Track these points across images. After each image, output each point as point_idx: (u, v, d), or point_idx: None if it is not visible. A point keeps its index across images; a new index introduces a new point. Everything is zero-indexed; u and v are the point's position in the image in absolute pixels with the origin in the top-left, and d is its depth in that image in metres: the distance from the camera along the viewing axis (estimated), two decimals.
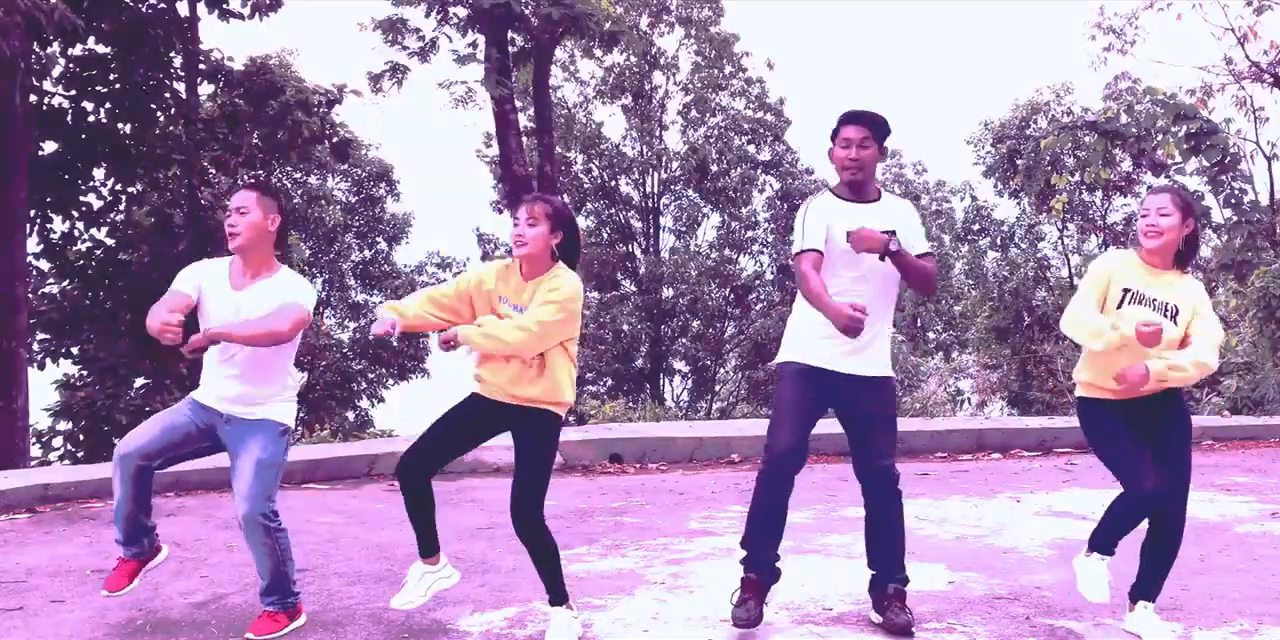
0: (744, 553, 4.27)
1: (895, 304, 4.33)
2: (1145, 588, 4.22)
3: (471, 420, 4.22)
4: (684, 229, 31.07)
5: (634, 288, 30.45)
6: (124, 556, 4.34)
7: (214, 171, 16.75)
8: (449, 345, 3.99)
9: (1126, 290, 4.12)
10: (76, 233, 15.79)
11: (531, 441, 4.12)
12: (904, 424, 10.13)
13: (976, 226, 37.38)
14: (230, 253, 4.28)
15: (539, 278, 4.08)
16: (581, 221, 31.36)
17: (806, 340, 4.23)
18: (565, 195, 29.44)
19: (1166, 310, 4.08)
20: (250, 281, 4.23)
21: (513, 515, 4.09)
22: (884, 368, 4.25)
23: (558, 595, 4.19)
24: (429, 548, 4.35)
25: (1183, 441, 4.19)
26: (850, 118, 4.21)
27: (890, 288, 4.25)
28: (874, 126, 4.18)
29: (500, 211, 29.33)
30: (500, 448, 7.39)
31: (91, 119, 15.51)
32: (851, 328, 3.87)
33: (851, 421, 4.27)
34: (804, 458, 4.19)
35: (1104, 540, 4.20)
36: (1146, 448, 4.10)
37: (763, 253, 31.17)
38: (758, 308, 30.39)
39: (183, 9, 16.11)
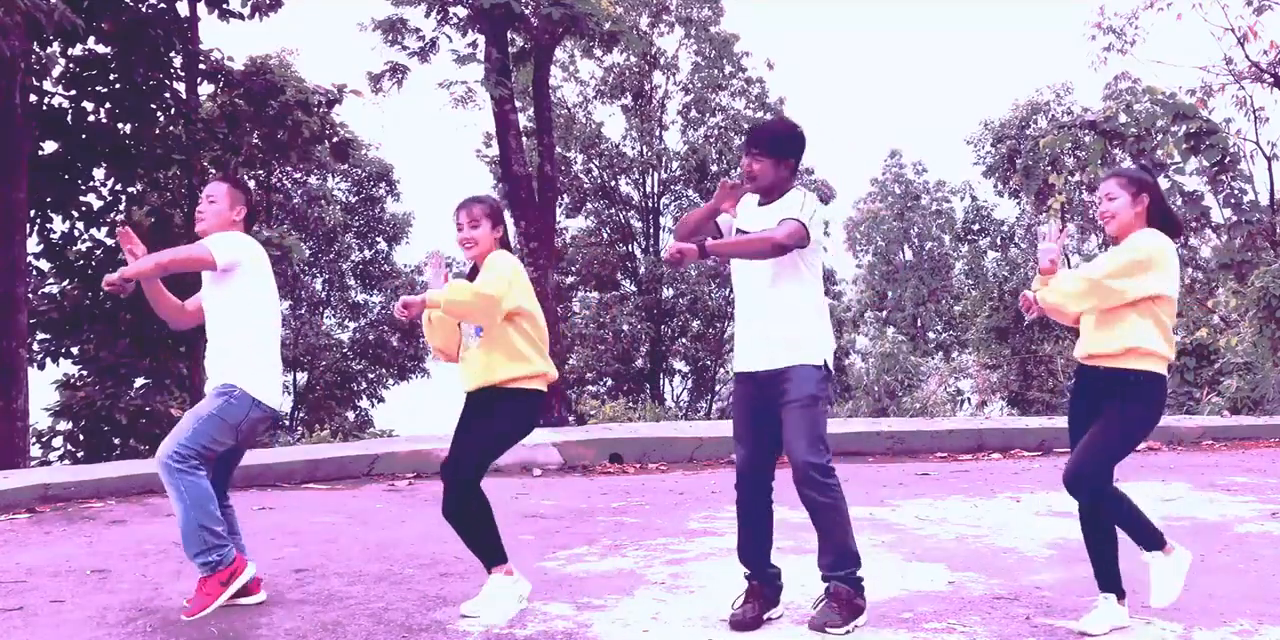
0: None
1: (799, 286, 4.18)
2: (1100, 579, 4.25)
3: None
4: None
5: (634, 288, 30.45)
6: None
7: (214, 171, 16.73)
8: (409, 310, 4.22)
9: None
10: (76, 233, 15.79)
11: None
12: (904, 424, 10.15)
13: (976, 226, 37.41)
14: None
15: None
16: (581, 221, 31.39)
17: (739, 343, 4.36)
18: (565, 195, 29.46)
19: None
20: None
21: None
22: (786, 357, 4.16)
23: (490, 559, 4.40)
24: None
25: (1103, 422, 4.11)
26: (751, 128, 4.46)
27: (766, 283, 4.19)
28: (755, 140, 4.29)
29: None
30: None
31: (91, 119, 15.51)
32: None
33: (780, 418, 4.21)
34: (768, 468, 4.28)
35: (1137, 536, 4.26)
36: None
37: None
38: None
39: (183, 9, 16.11)
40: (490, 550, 4.39)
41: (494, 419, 4.36)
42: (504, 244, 4.48)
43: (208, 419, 4.34)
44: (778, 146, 4.25)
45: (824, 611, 4.12)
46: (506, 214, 4.63)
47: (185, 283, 4.70)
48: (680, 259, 4.06)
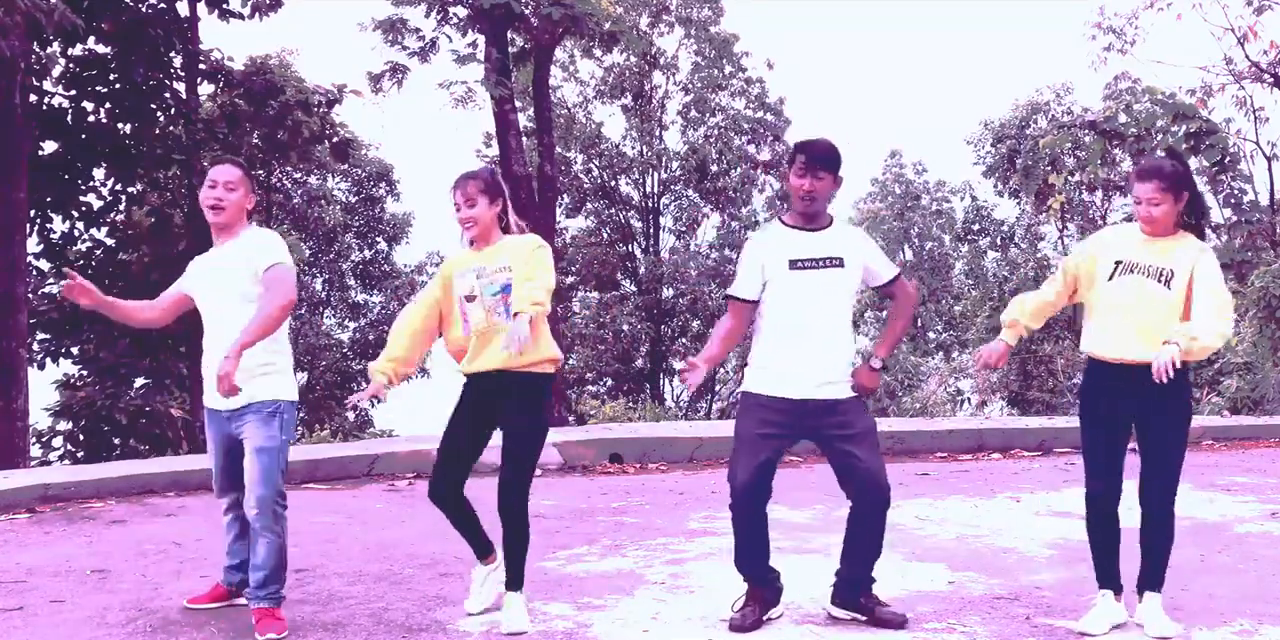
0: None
1: (849, 322, 4.25)
2: (1147, 579, 4.23)
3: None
4: (684, 229, 31.06)
5: (634, 288, 30.43)
6: (220, 581, 4.62)
7: None
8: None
9: (1118, 262, 4.12)
10: (76, 233, 15.80)
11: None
12: (904, 424, 10.15)
13: (976, 226, 37.39)
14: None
15: (492, 245, 4.31)
16: (581, 221, 31.36)
17: (761, 365, 4.24)
18: (565, 195, 29.45)
19: (1160, 275, 4.05)
20: (221, 244, 4.38)
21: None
22: (845, 388, 4.18)
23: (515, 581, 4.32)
24: (484, 550, 4.53)
25: (1164, 431, 4.15)
26: (805, 146, 4.20)
27: (832, 310, 4.18)
28: (820, 160, 4.13)
29: None
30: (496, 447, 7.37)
31: (91, 119, 15.52)
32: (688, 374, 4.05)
33: (828, 444, 4.19)
34: (766, 490, 4.19)
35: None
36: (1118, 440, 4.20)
37: None
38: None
39: (183, 9, 16.11)
40: (520, 567, 4.33)
41: (524, 417, 4.29)
42: (505, 216, 4.33)
43: (282, 448, 4.24)
44: (838, 165, 4.16)
45: (890, 610, 4.26)
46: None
47: (167, 282, 4.60)
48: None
